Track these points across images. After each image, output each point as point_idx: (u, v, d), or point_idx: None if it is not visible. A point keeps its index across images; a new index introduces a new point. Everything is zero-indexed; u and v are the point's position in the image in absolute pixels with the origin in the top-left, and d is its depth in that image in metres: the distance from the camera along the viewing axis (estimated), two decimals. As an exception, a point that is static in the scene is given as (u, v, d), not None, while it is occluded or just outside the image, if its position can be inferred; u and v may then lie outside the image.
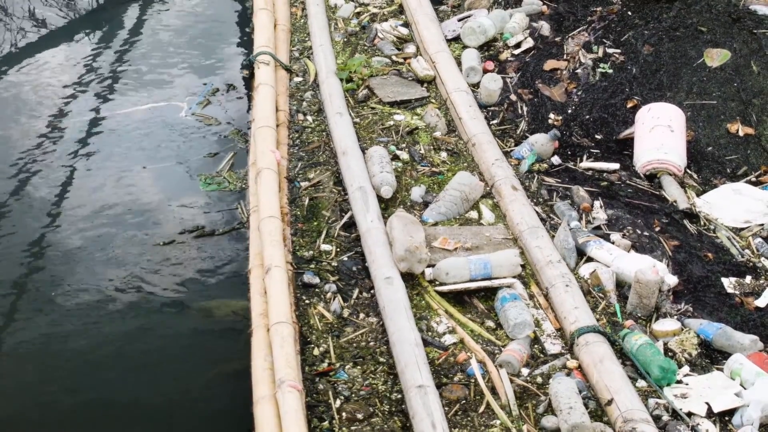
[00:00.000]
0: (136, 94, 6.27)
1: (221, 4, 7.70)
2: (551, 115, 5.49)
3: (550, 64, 5.82)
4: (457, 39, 6.29)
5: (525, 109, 5.55)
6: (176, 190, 5.24)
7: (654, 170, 4.99)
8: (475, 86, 5.73)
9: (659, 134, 5.00)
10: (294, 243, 4.45)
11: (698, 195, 4.91)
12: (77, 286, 4.52)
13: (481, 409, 3.54)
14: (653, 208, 4.72)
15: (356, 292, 4.19)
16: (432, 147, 5.22)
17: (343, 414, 3.50)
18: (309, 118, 5.56)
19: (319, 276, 4.25)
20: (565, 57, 5.84)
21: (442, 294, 4.12)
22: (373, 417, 3.50)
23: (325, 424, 3.45)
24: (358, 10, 6.90)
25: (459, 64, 5.91)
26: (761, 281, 4.29)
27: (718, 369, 3.75)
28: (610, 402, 3.46)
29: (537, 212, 4.60)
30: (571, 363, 3.75)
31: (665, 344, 3.85)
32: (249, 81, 6.10)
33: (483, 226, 4.57)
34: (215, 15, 7.52)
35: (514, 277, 4.18)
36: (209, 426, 3.88)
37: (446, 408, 3.50)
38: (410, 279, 4.16)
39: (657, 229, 4.54)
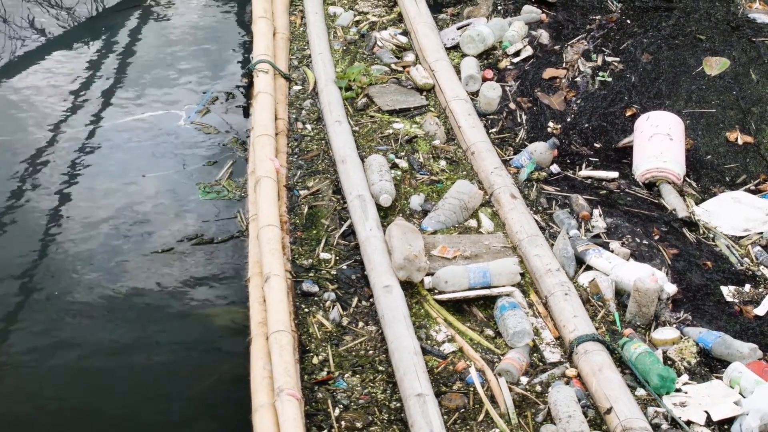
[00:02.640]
0: (135, 102, 6.27)
1: (220, 13, 7.70)
2: (550, 124, 5.50)
3: (549, 73, 5.83)
4: (456, 47, 6.30)
5: (524, 117, 5.56)
6: (175, 199, 5.24)
7: (653, 178, 5.00)
8: (474, 95, 5.74)
9: (658, 142, 5.01)
10: (293, 251, 4.45)
11: (697, 203, 4.92)
12: (75, 293, 4.51)
13: (480, 417, 3.54)
14: (652, 216, 4.73)
15: (355, 300, 4.19)
16: (431, 155, 5.22)
17: (342, 423, 3.50)
18: (308, 126, 5.57)
19: (318, 284, 4.25)
20: (564, 65, 5.85)
21: (441, 302, 4.12)
22: (372, 426, 3.50)
23: (324, 432, 3.45)
24: (357, 18, 6.91)
25: (458, 72, 5.91)
26: (760, 289, 4.29)
27: (717, 377, 3.75)
28: (609, 410, 3.46)
29: (536, 221, 4.60)
30: (570, 371, 3.75)
31: (664, 353, 3.85)
32: (248, 89, 6.10)
33: (482, 235, 4.57)
34: (214, 23, 7.53)
35: (513, 285, 4.18)
36: (208, 434, 3.89)
37: (445, 416, 3.50)
38: (409, 287, 4.16)
39: (656, 237, 4.54)
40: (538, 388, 3.70)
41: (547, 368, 3.81)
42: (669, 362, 3.82)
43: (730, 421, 3.51)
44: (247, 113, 5.97)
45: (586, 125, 5.46)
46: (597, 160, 5.24)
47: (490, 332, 4.01)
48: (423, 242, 4.30)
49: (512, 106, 5.64)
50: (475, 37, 6.11)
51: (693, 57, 5.59)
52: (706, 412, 3.52)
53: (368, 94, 5.80)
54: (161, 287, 4.56)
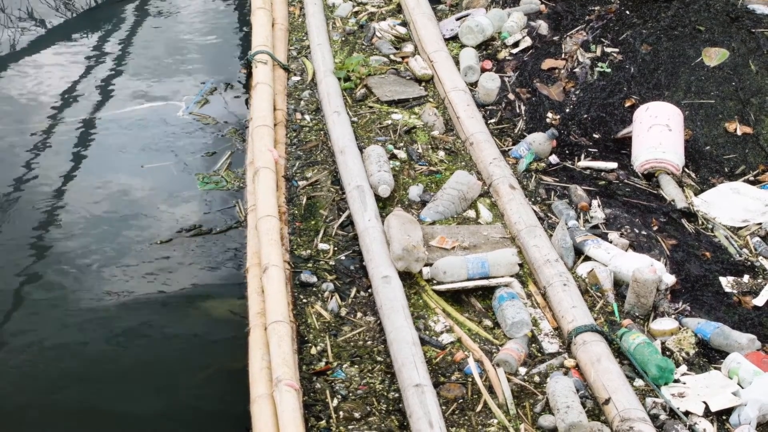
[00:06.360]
0: (134, 93, 6.27)
1: (219, 3, 7.70)
2: (549, 114, 5.49)
3: (548, 63, 5.82)
4: (455, 38, 6.29)
5: (523, 108, 5.55)
6: (174, 190, 5.25)
7: (652, 169, 4.99)
8: (473, 85, 5.74)
9: (657, 133, 5.00)
10: (291, 242, 4.45)
11: (696, 194, 4.92)
12: (74, 284, 4.52)
13: (479, 408, 3.54)
14: (651, 207, 4.72)
15: (354, 291, 4.19)
16: (430, 146, 5.22)
17: (341, 413, 3.50)
18: (307, 117, 5.56)
19: (317, 275, 4.25)
20: (563, 56, 5.84)
21: (439, 293, 4.11)
22: (371, 416, 3.49)
23: (323, 423, 3.45)
24: (356, 9, 6.90)
25: (457, 63, 5.91)
26: (759, 280, 4.29)
27: (715, 368, 3.75)
28: (607, 401, 3.46)
29: (535, 211, 4.60)
30: (569, 362, 3.74)
31: (663, 343, 3.85)
32: (247, 80, 6.10)
33: (481, 225, 4.57)
34: (213, 14, 7.52)
35: (511, 276, 4.17)
36: (207, 424, 3.88)
37: (443, 407, 3.50)
38: (408, 278, 4.16)
39: (655, 228, 4.54)
40: (537, 379, 3.70)
41: (545, 359, 3.81)
42: (667, 353, 3.82)
43: (729, 411, 3.51)
44: (245, 104, 5.97)
45: (585, 116, 5.46)
46: (596, 150, 5.23)
47: (488, 323, 4.01)
48: (421, 233, 4.30)
49: (511, 96, 5.63)
50: (474, 27, 6.10)
51: (692, 48, 5.58)
52: (705, 402, 3.52)
53: (367, 85, 5.79)
54: (159, 278, 4.57)
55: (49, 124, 5.86)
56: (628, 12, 5.97)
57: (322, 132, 5.38)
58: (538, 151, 5.07)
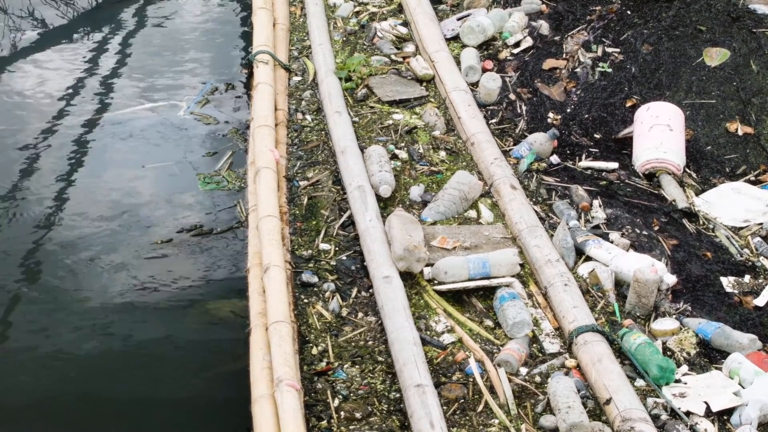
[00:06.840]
0: (135, 93, 6.27)
1: (220, 3, 7.70)
2: (550, 114, 5.49)
3: (549, 63, 5.81)
4: (456, 38, 6.29)
5: (524, 108, 5.55)
6: (175, 190, 5.24)
7: (653, 169, 4.99)
8: (474, 85, 5.73)
9: (658, 133, 5.00)
10: (293, 242, 4.45)
11: (697, 194, 4.91)
12: (75, 284, 4.52)
13: (480, 408, 3.54)
14: (652, 207, 4.72)
15: (355, 291, 4.19)
16: (431, 146, 5.22)
17: (342, 413, 3.50)
18: (308, 117, 5.56)
19: (318, 275, 4.25)
20: (564, 56, 5.84)
21: (440, 293, 4.11)
22: (372, 416, 3.49)
23: (324, 423, 3.45)
24: (357, 9, 6.90)
25: (458, 63, 5.91)
26: (760, 280, 4.29)
27: (716, 368, 3.75)
28: (608, 401, 3.46)
29: (536, 211, 4.60)
30: (570, 362, 3.74)
31: (664, 343, 3.85)
32: (248, 80, 6.10)
33: (482, 226, 4.57)
34: (214, 14, 7.52)
35: (512, 276, 4.17)
36: (208, 424, 3.88)
37: (445, 407, 3.50)
38: (409, 278, 4.16)
39: (656, 228, 4.54)
40: (538, 379, 3.70)
41: (546, 359, 3.81)
42: (668, 353, 3.82)
43: (730, 411, 3.51)
44: (246, 104, 5.97)
45: (586, 116, 5.46)
46: (597, 150, 5.23)
47: (489, 323, 4.01)
48: (423, 233, 4.30)
49: (512, 96, 5.63)
50: (475, 27, 6.10)
51: (693, 48, 5.58)
52: (706, 402, 3.52)
53: (368, 85, 5.79)
54: (160, 278, 4.56)
55: (50, 124, 5.86)
56: (629, 12, 5.97)
57: (323, 132, 5.38)
58: (539, 151, 5.06)
